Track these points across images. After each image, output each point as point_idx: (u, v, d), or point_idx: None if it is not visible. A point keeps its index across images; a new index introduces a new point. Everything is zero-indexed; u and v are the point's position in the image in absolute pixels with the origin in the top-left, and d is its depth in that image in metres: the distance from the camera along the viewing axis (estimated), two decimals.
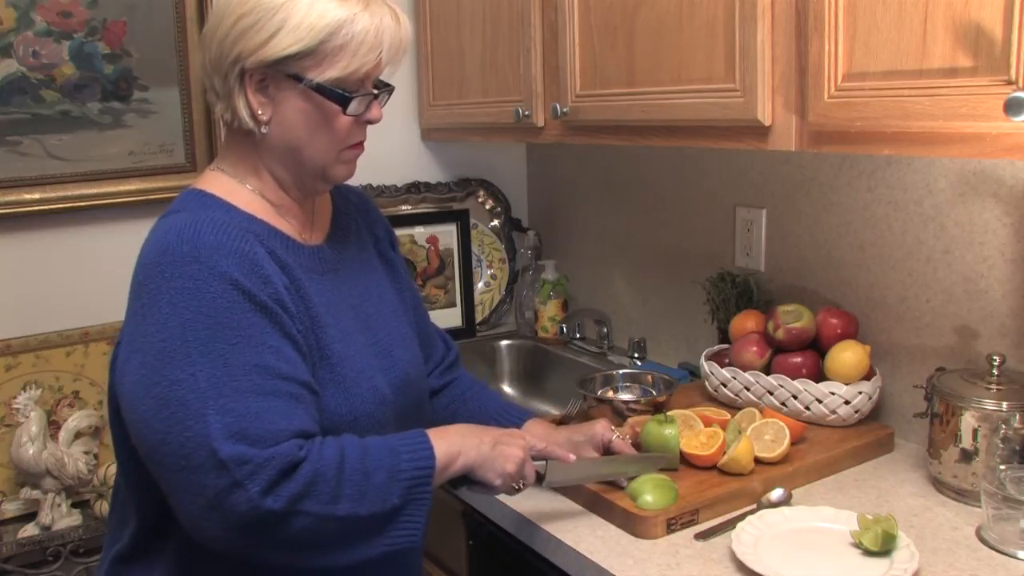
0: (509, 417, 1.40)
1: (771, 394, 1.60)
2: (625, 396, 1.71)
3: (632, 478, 1.34)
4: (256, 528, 0.97)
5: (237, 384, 0.98)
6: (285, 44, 1.05)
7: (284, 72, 1.07)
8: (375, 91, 1.13)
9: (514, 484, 1.20)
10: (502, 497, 1.42)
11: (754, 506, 1.35)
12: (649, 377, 1.74)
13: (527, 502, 1.41)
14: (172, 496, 0.99)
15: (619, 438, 1.39)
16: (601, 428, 1.39)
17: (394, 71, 1.15)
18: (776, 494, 1.36)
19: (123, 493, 1.15)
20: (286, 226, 1.15)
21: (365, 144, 1.18)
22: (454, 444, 1.13)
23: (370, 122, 1.14)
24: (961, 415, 1.34)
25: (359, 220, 1.31)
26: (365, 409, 1.14)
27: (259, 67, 1.07)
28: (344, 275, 1.21)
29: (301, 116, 1.10)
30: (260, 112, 1.09)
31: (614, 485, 1.36)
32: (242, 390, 0.98)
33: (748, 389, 1.63)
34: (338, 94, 1.09)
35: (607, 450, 1.39)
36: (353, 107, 1.10)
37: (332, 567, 1.04)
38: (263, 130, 1.10)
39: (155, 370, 0.99)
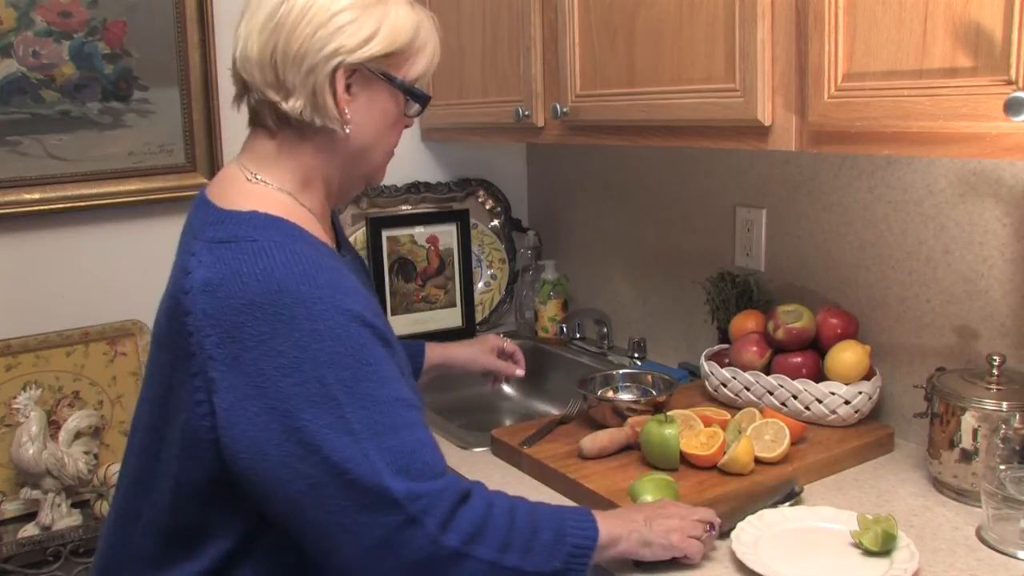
0: (409, 353, 1.44)
1: (771, 394, 1.60)
2: (625, 396, 1.71)
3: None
4: (429, 567, 0.95)
5: (389, 421, 0.97)
6: (387, 42, 1.06)
7: (376, 70, 1.07)
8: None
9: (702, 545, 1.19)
10: None
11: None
12: (649, 377, 1.75)
13: None
14: (326, 540, 0.96)
15: (507, 341, 1.65)
16: (493, 339, 1.65)
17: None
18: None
19: (176, 538, 1.06)
20: (327, 240, 1.13)
21: None
22: (615, 527, 1.12)
23: (407, 126, 1.18)
24: (961, 415, 1.34)
25: (338, 228, 1.32)
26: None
27: (355, 64, 1.05)
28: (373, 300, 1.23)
29: (381, 115, 1.10)
30: (346, 111, 1.07)
31: (614, 485, 1.36)
32: (395, 426, 0.97)
33: (748, 389, 1.63)
34: (422, 92, 1.12)
35: (502, 352, 1.63)
36: (424, 108, 1.15)
37: None
38: (347, 130, 1.08)
39: (291, 415, 0.94)
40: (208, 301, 0.96)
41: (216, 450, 0.98)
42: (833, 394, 1.54)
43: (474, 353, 1.63)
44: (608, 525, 1.11)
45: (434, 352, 1.57)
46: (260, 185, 1.09)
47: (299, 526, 0.98)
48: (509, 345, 1.64)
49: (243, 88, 1.11)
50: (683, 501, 1.31)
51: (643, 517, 1.16)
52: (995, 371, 1.35)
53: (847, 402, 1.54)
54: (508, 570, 0.98)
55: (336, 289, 0.98)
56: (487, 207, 2.45)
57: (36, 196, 1.90)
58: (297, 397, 0.94)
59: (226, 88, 2.03)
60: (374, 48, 1.05)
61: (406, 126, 1.17)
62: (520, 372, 1.65)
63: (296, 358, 0.94)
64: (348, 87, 1.07)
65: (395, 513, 0.93)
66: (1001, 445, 1.28)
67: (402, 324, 2.24)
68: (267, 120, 1.10)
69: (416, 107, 1.13)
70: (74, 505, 1.84)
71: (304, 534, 0.98)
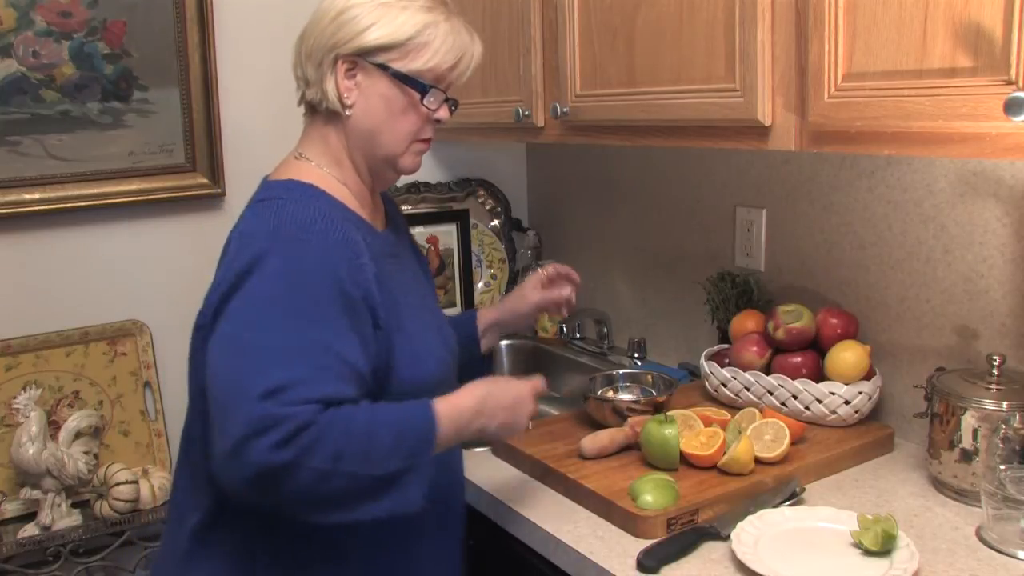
0: (461, 321, 1.57)
1: (771, 394, 1.60)
2: (625, 396, 1.71)
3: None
4: (266, 479, 1.03)
5: (299, 352, 1.07)
6: (377, 35, 1.19)
7: (373, 61, 1.20)
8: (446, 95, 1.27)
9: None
10: (502, 496, 1.42)
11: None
12: (649, 377, 1.75)
13: (527, 501, 1.41)
14: (212, 438, 1.07)
15: (549, 266, 1.57)
16: (534, 275, 1.57)
17: (461, 81, 1.27)
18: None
19: (200, 465, 1.20)
20: (364, 213, 1.27)
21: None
22: (458, 420, 1.18)
23: (439, 121, 1.27)
24: (961, 415, 1.34)
25: (397, 215, 1.45)
26: (439, 377, 1.26)
27: (351, 54, 1.20)
28: (402, 260, 1.34)
29: (383, 102, 1.22)
30: (346, 96, 1.22)
31: (614, 485, 1.36)
32: (301, 356, 1.07)
33: (748, 389, 1.63)
34: (419, 83, 1.22)
35: (547, 282, 1.54)
36: (430, 97, 1.23)
37: (347, 523, 1.10)
38: (348, 112, 1.23)
39: (237, 324, 1.08)
40: (237, 245, 1.15)
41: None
42: (833, 394, 1.54)
43: (519, 296, 1.60)
44: (451, 417, 1.16)
45: (484, 315, 1.61)
46: (303, 161, 1.26)
47: None
48: (551, 268, 1.57)
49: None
50: (683, 501, 1.31)
51: (492, 407, 1.22)
52: (995, 371, 1.35)
53: (847, 402, 1.54)
54: (344, 475, 1.06)
55: (325, 238, 1.13)
56: (487, 207, 2.45)
57: (36, 196, 1.90)
58: (247, 318, 1.08)
59: (226, 88, 2.03)
60: (367, 40, 1.19)
61: (437, 120, 1.26)
62: (567, 292, 1.56)
63: (259, 286, 1.09)
64: (353, 76, 1.21)
65: (247, 425, 1.02)
66: (1001, 445, 1.28)
67: None
68: (305, 108, 1.28)
69: (428, 98, 1.23)
70: (74, 505, 1.84)
71: None
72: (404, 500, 1.10)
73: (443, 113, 1.27)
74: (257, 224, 1.16)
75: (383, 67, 1.21)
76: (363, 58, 1.20)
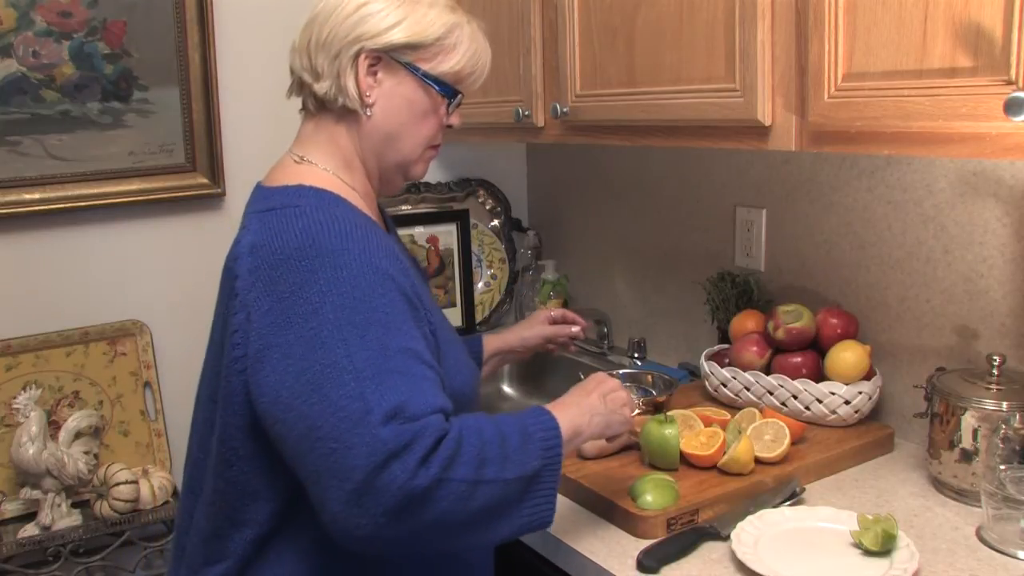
0: (468, 345, 1.45)
1: (771, 394, 1.60)
2: None
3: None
4: (409, 507, 0.95)
5: (392, 365, 0.99)
6: (409, 32, 1.13)
7: (399, 60, 1.14)
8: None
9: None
10: None
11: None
12: (649, 377, 1.75)
13: None
14: (317, 486, 0.97)
15: (556, 309, 1.63)
16: (542, 312, 1.64)
17: (475, 87, 1.24)
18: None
19: (223, 505, 1.12)
20: (374, 218, 1.19)
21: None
22: (575, 416, 1.15)
23: (450, 126, 1.22)
24: (961, 415, 1.34)
25: (389, 220, 1.38)
26: (472, 385, 1.22)
27: (377, 50, 1.13)
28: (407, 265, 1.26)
29: (406, 104, 1.16)
30: (367, 94, 1.14)
31: (614, 485, 1.36)
32: (397, 371, 0.99)
33: (748, 389, 1.63)
34: (447, 86, 1.17)
35: (553, 320, 1.61)
36: (455, 102, 1.19)
37: (470, 548, 1.07)
38: (368, 113, 1.15)
39: (303, 357, 0.99)
40: (252, 260, 1.05)
41: (248, 403, 1.04)
42: (833, 394, 1.54)
43: (526, 329, 1.62)
44: (567, 416, 1.13)
45: (491, 341, 1.58)
46: (306, 165, 1.17)
47: (301, 477, 1.00)
48: (557, 312, 1.62)
49: (295, 78, 1.21)
50: (683, 501, 1.31)
51: (597, 396, 1.20)
52: (995, 371, 1.35)
53: (847, 402, 1.54)
54: (489, 483, 1.00)
55: (366, 245, 1.04)
56: (487, 207, 2.45)
57: (36, 196, 1.90)
58: (313, 340, 0.99)
59: (226, 88, 2.03)
60: (395, 36, 1.12)
61: (448, 126, 1.22)
62: (576, 329, 1.61)
63: (318, 303, 1.00)
64: (375, 73, 1.14)
65: (376, 452, 0.94)
66: (1001, 445, 1.28)
67: None
68: (308, 104, 1.19)
69: (452, 103, 1.19)
70: (74, 505, 1.84)
71: (306, 486, 1.00)
72: (539, 507, 1.05)
73: (456, 119, 1.22)
74: (278, 239, 1.04)
75: (411, 67, 1.14)
76: (389, 55, 1.14)
